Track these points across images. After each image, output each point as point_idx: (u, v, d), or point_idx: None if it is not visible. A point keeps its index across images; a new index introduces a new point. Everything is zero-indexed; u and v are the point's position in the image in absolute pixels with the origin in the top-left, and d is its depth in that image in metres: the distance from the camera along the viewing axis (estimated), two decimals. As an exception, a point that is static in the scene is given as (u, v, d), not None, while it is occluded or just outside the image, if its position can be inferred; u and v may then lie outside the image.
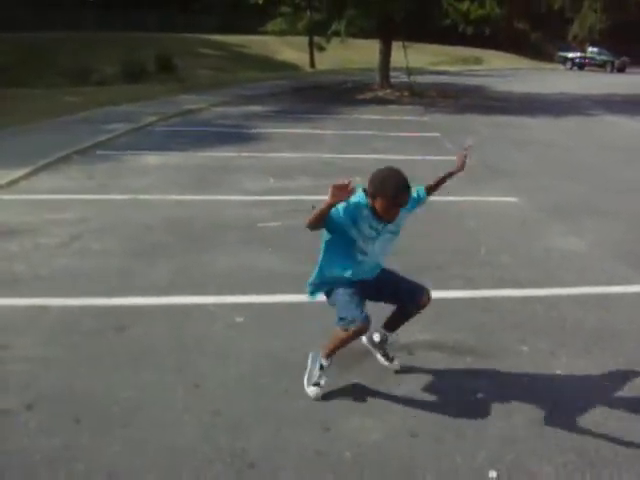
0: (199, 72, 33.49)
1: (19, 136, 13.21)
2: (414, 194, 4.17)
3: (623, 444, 3.65)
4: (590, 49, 55.27)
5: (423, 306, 4.10)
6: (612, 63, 53.43)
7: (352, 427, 3.74)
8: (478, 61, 53.26)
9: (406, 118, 19.01)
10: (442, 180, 4.68)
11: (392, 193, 3.76)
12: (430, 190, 4.56)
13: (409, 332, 4.90)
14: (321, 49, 38.78)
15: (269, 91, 25.48)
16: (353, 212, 3.80)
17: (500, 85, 32.47)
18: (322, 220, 3.70)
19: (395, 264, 6.26)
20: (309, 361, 4.18)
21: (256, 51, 42.82)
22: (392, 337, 4.47)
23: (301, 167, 11.30)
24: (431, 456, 3.49)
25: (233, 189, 9.58)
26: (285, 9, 31.08)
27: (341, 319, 3.86)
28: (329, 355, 4.08)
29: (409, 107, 21.96)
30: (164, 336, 4.90)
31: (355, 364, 4.44)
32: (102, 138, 13.38)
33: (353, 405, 3.96)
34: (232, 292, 5.74)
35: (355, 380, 4.27)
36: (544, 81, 37.84)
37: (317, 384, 4.05)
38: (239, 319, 5.18)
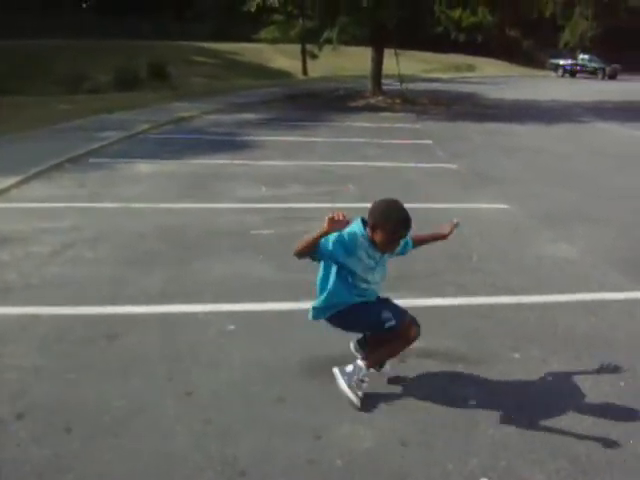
0: (192, 80, 33.55)
1: (11, 144, 13.20)
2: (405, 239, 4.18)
3: (615, 450, 3.66)
4: (581, 56, 55.57)
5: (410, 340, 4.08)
6: (603, 70, 53.69)
7: (343, 435, 3.73)
8: (470, 68, 53.48)
9: (398, 125, 19.06)
10: (428, 240, 4.73)
11: (393, 227, 3.83)
12: (417, 244, 4.57)
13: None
14: (314, 57, 38.90)
15: (262, 99, 25.51)
16: (348, 243, 3.81)
17: (492, 92, 32.60)
18: (311, 249, 3.72)
19: (388, 271, 6.28)
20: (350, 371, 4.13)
21: (249, 59, 42.93)
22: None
23: (293, 175, 11.31)
24: (422, 463, 3.49)
25: (225, 197, 9.59)
26: (278, 17, 31.18)
27: (383, 322, 3.92)
28: (371, 365, 4.12)
29: (401, 114, 22.02)
30: (156, 344, 4.89)
31: (337, 368, 4.43)
32: (95, 146, 13.38)
33: (344, 413, 3.95)
34: (224, 300, 5.74)
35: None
36: (536, 88, 38.02)
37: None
38: (231, 327, 5.18)
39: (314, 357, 4.50)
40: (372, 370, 4.25)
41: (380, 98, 25.91)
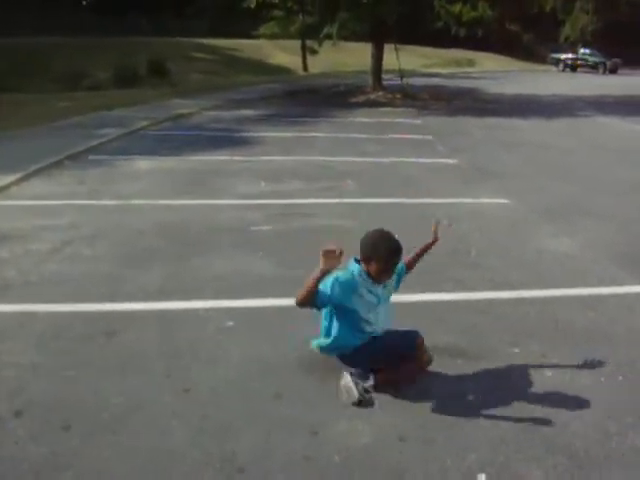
0: (192, 76, 33.52)
1: (11, 141, 13.20)
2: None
3: (613, 445, 3.65)
4: (582, 51, 55.47)
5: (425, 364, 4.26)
6: (604, 64, 53.58)
7: (341, 431, 3.72)
8: (471, 63, 53.42)
9: (399, 121, 19.04)
10: (420, 255, 4.73)
11: (385, 256, 3.92)
12: (409, 266, 4.63)
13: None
14: (314, 52, 38.91)
15: (262, 95, 25.49)
16: (344, 284, 3.91)
17: (492, 87, 32.55)
18: (312, 295, 3.78)
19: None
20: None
21: (249, 55, 42.88)
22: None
23: (293, 170, 11.29)
24: (420, 459, 3.48)
25: (225, 193, 9.57)
26: (277, 13, 31.16)
27: (403, 348, 4.10)
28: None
29: (402, 110, 21.99)
30: (154, 341, 4.89)
31: (344, 367, 4.41)
32: (94, 143, 13.38)
33: (342, 409, 3.94)
34: (223, 296, 5.73)
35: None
36: (536, 83, 37.95)
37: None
38: (229, 323, 5.17)
39: (313, 353, 4.47)
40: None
41: (380, 93, 25.88)
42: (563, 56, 55.96)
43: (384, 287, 4.12)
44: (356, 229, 7.85)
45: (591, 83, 38.91)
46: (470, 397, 4.12)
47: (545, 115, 21.23)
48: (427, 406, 4.01)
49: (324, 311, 4.13)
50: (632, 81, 41.72)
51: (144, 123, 16.58)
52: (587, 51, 55.12)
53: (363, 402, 3.96)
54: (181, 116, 18.79)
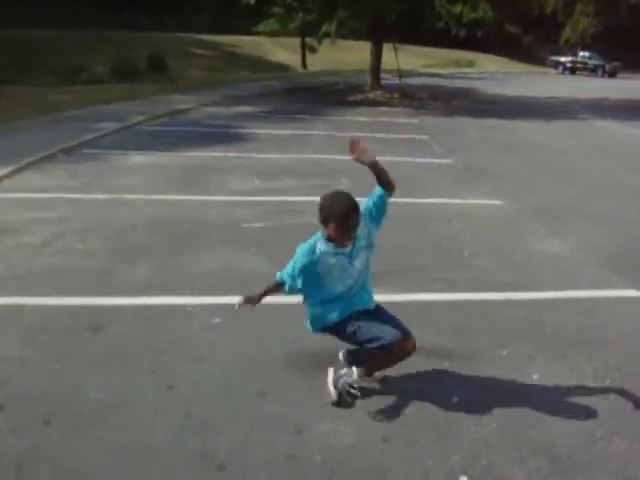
0: (191, 72, 33.45)
1: (6, 134, 13.14)
2: (369, 204, 4.08)
3: (597, 450, 3.64)
4: (581, 53, 55.44)
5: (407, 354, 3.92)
6: (603, 68, 53.58)
7: (324, 430, 3.71)
8: (470, 64, 53.36)
9: (395, 120, 19.01)
10: (378, 173, 4.22)
11: (341, 217, 3.74)
12: (387, 187, 4.26)
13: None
14: (313, 50, 38.80)
15: (260, 92, 25.44)
16: (305, 259, 3.83)
17: (491, 88, 32.52)
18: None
19: (376, 265, 6.26)
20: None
21: (248, 51, 42.79)
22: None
23: (288, 168, 11.27)
24: (403, 460, 3.47)
25: (219, 189, 9.54)
26: (277, 10, 31.08)
27: (373, 340, 3.77)
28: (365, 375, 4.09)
29: (399, 109, 21.96)
30: (141, 336, 4.87)
31: (330, 366, 4.40)
32: (89, 137, 13.32)
33: (326, 408, 3.93)
34: (212, 292, 5.71)
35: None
36: (535, 85, 37.94)
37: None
38: (217, 320, 5.15)
39: (299, 352, 4.47)
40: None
41: (378, 92, 25.85)
42: (562, 59, 55.95)
43: (354, 244, 3.88)
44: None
45: (590, 86, 38.89)
46: (455, 399, 4.10)
47: (543, 117, 21.21)
48: (412, 407, 4.00)
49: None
50: (631, 85, 41.71)
51: (141, 118, 16.52)
52: (587, 54, 55.10)
53: (341, 403, 3.95)
54: (179, 112, 18.73)
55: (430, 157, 12.98)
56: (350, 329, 3.84)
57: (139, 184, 9.73)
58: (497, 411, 3.96)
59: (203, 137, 14.51)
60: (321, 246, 3.82)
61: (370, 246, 3.94)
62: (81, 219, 7.86)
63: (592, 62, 54.34)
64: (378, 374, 4.28)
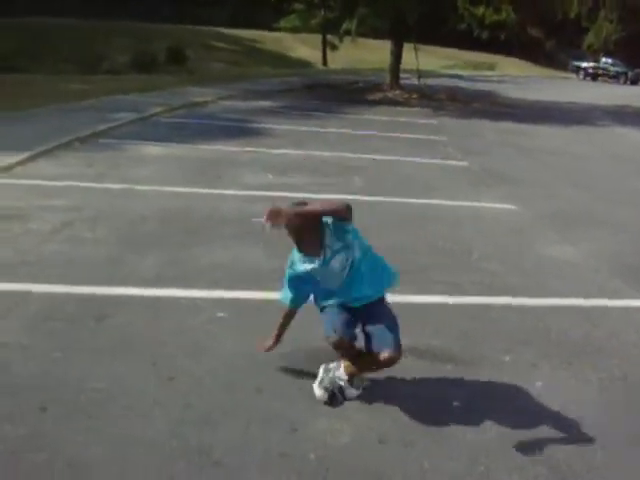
0: (211, 65, 33.53)
1: (23, 121, 13.19)
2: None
3: (597, 459, 3.59)
4: (604, 59, 54.95)
5: (383, 362, 3.78)
6: (626, 74, 53.09)
7: (320, 429, 3.68)
8: (491, 67, 53.11)
9: (413, 120, 18.93)
10: (311, 217, 3.82)
11: (289, 231, 3.82)
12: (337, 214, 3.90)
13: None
14: (334, 48, 38.74)
15: (279, 87, 25.42)
16: (292, 270, 3.99)
17: (511, 92, 32.32)
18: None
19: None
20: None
21: (269, 47, 42.83)
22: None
23: (302, 164, 11.25)
24: (399, 463, 3.43)
25: (232, 183, 9.53)
26: (299, 6, 31.09)
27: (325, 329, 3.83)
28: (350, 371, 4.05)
29: (417, 109, 21.87)
30: (144, 328, 4.86)
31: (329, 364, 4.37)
32: (106, 127, 13.36)
33: (323, 407, 3.90)
34: (218, 286, 5.70)
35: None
36: (556, 89, 37.67)
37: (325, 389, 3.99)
38: (221, 314, 5.13)
39: (299, 349, 4.44)
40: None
41: (397, 92, 25.76)
42: (584, 64, 55.49)
43: (327, 249, 3.83)
44: (356, 225, 7.84)
45: (611, 93, 38.58)
46: (456, 403, 4.07)
47: (562, 122, 21.03)
48: (411, 410, 3.96)
49: None
50: (653, 93, 41.38)
51: (158, 109, 16.56)
52: (609, 60, 54.62)
53: (333, 401, 3.95)
54: (196, 104, 18.75)
55: (446, 159, 12.92)
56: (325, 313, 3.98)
57: (153, 175, 9.74)
58: (498, 417, 3.92)
59: (219, 130, 14.51)
60: (294, 257, 3.96)
61: (347, 247, 3.87)
62: (93, 208, 7.88)
63: (614, 69, 53.86)
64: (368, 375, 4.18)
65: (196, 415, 3.76)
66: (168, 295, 5.50)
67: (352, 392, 4.01)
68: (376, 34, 29.17)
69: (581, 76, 54.82)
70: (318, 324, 4.04)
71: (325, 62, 42.30)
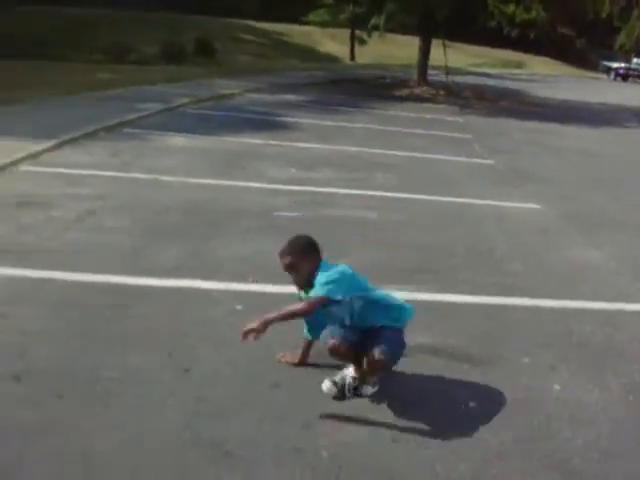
0: (238, 57, 33.53)
1: (50, 109, 13.31)
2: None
3: (612, 467, 3.54)
4: (635, 60, 54.22)
5: (370, 362, 3.81)
6: (657, 76, 52.41)
7: (334, 426, 3.66)
8: (520, 65, 52.62)
9: (439, 117, 18.84)
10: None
11: None
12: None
13: (408, 333, 4.80)
14: (362, 43, 38.59)
15: (306, 81, 25.42)
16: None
17: (540, 91, 32.01)
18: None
19: (406, 263, 6.22)
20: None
21: (298, 40, 42.75)
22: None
23: (326, 159, 11.24)
24: (411, 463, 3.41)
25: (256, 176, 9.53)
26: (328, 0, 31.00)
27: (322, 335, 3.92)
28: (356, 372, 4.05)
29: (444, 107, 21.76)
30: (162, 318, 4.87)
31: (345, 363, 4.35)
32: (132, 116, 13.44)
33: (338, 404, 3.87)
34: (238, 279, 5.69)
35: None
36: (585, 90, 37.25)
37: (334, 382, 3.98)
38: (239, 307, 5.13)
39: (316, 347, 4.42)
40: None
41: (424, 88, 25.64)
42: (615, 64, 54.79)
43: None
44: (379, 222, 7.84)
45: (642, 94, 38.12)
46: (471, 404, 4.03)
47: (591, 123, 20.80)
48: (426, 409, 3.93)
49: None
50: (685, 95, 40.78)
51: (185, 100, 16.61)
52: (640, 61, 53.94)
53: (340, 397, 3.94)
54: (223, 96, 18.79)
55: (471, 157, 12.83)
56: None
57: (178, 166, 9.77)
58: (513, 420, 3.88)
59: (245, 123, 14.53)
60: None
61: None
62: (116, 197, 7.92)
63: (646, 70, 53.19)
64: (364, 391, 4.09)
65: (210, 407, 3.75)
66: (188, 286, 5.51)
67: (368, 389, 4.00)
68: (404, 30, 28.99)
69: (611, 77, 54.13)
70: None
71: (353, 57, 42.15)
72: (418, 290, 5.66)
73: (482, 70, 43.17)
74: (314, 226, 7.26)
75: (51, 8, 33.74)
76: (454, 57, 30.63)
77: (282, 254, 4.05)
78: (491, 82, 33.69)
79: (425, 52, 26.74)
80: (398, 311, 4.05)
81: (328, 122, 15.83)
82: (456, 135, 15.66)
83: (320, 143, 12.75)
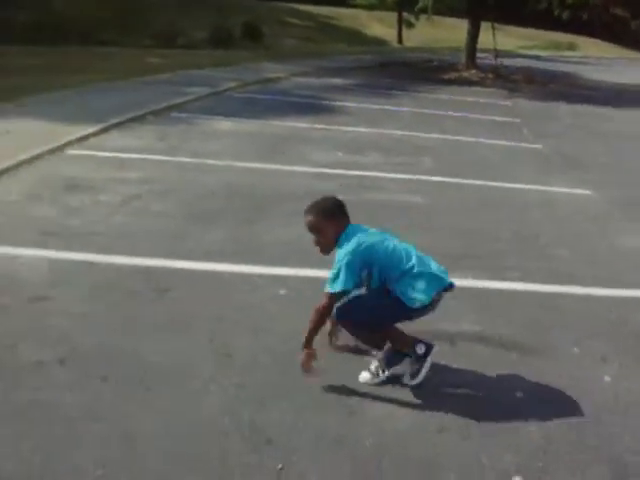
0: (286, 41, 33.51)
1: (99, 93, 13.45)
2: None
3: (666, 462, 3.41)
4: (693, 42, 52.74)
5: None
6: None
7: (378, 415, 3.60)
8: (571, 47, 51.57)
9: (487, 101, 18.54)
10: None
11: None
12: None
13: (455, 321, 4.74)
14: (410, 26, 38.26)
15: (353, 64, 25.26)
16: None
17: (592, 74, 31.29)
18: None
19: (451, 249, 6.11)
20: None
21: (345, 24, 42.56)
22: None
23: (373, 143, 11.14)
24: (455, 453, 3.32)
25: (301, 160, 9.47)
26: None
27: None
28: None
29: (492, 90, 21.41)
30: (204, 303, 4.86)
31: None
32: (179, 100, 13.49)
33: (383, 392, 3.81)
34: (280, 263, 5.66)
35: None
36: (639, 72, 36.32)
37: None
38: (282, 291, 5.10)
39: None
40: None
41: (473, 72, 25.27)
42: (672, 47, 53.40)
43: None
44: (425, 206, 7.73)
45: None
46: (519, 394, 3.92)
47: (644, 107, 20.25)
48: (472, 398, 3.85)
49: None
50: None
51: (232, 84, 16.63)
52: (698, 43, 52.41)
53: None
54: (269, 80, 18.78)
55: (519, 141, 12.57)
56: None
57: (223, 150, 9.77)
58: (561, 412, 3.76)
59: (291, 107, 14.48)
60: None
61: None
62: (162, 181, 7.94)
63: None
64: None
65: (251, 394, 3.72)
66: (230, 270, 5.49)
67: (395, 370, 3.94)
68: (453, 12, 28.58)
69: (667, 59, 52.73)
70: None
71: (400, 40, 41.80)
72: (464, 277, 5.55)
73: (533, 53, 42.41)
74: (359, 210, 7.15)
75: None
76: (504, 40, 30.11)
77: (305, 212, 3.96)
78: (541, 65, 33.06)
79: (474, 35, 26.34)
80: (424, 280, 3.76)
81: (375, 106, 15.69)
82: (504, 119, 15.38)
83: (367, 127, 12.63)
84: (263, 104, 14.67)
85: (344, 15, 43.07)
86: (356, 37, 40.11)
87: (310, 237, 3.97)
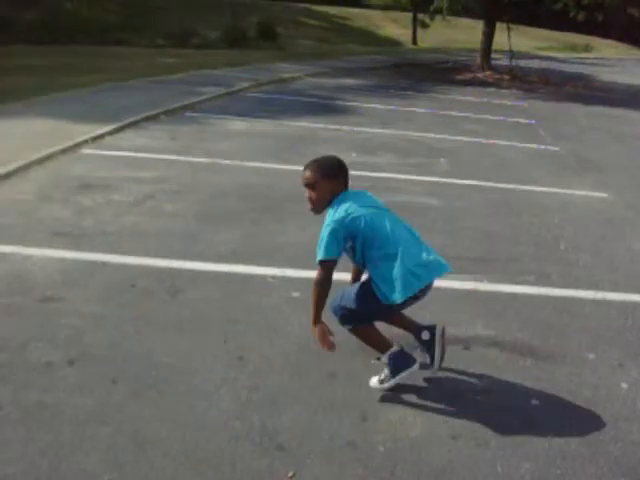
0: (299, 41, 33.49)
1: (113, 93, 13.48)
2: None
3: (686, 472, 3.34)
4: None
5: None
6: None
7: (391, 421, 3.54)
8: (587, 49, 51.28)
9: (503, 102, 18.43)
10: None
11: None
12: None
13: (469, 325, 4.68)
14: (424, 26, 38.10)
15: (367, 65, 25.22)
16: None
17: (608, 75, 31.09)
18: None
19: (469, 252, 6.04)
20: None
21: (359, 24, 42.51)
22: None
23: (387, 144, 11.07)
24: (470, 461, 3.26)
25: (314, 161, 9.40)
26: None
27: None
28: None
29: (507, 91, 21.31)
30: (217, 304, 4.82)
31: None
32: (193, 100, 13.51)
33: (397, 398, 3.75)
34: (293, 265, 5.60)
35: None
36: (656, 74, 36.05)
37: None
38: (296, 294, 5.05)
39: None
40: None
41: (488, 73, 25.17)
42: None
43: None
44: (441, 208, 7.65)
45: None
46: (534, 401, 3.85)
47: (661, 109, 20.07)
48: (487, 405, 3.78)
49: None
50: None
51: (245, 84, 16.63)
52: None
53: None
54: (283, 80, 18.77)
55: (536, 143, 12.48)
56: None
57: (236, 150, 9.74)
58: (577, 419, 3.70)
59: (305, 107, 14.44)
60: None
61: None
62: (175, 181, 7.91)
63: None
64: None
65: (263, 397, 3.67)
66: (243, 272, 5.45)
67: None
68: (468, 13, 28.44)
69: (684, 61, 52.35)
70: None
71: (415, 41, 41.68)
72: (480, 280, 5.50)
73: (548, 54, 42.20)
74: (373, 212, 7.15)
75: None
76: (519, 41, 29.95)
77: (305, 167, 3.86)
78: (557, 66, 32.88)
79: (489, 36, 26.23)
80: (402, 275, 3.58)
81: (389, 106, 15.63)
82: (520, 120, 15.28)
83: (381, 128, 12.58)
84: (277, 104, 14.65)
85: (358, 15, 43.02)
86: (370, 37, 40.05)
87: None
